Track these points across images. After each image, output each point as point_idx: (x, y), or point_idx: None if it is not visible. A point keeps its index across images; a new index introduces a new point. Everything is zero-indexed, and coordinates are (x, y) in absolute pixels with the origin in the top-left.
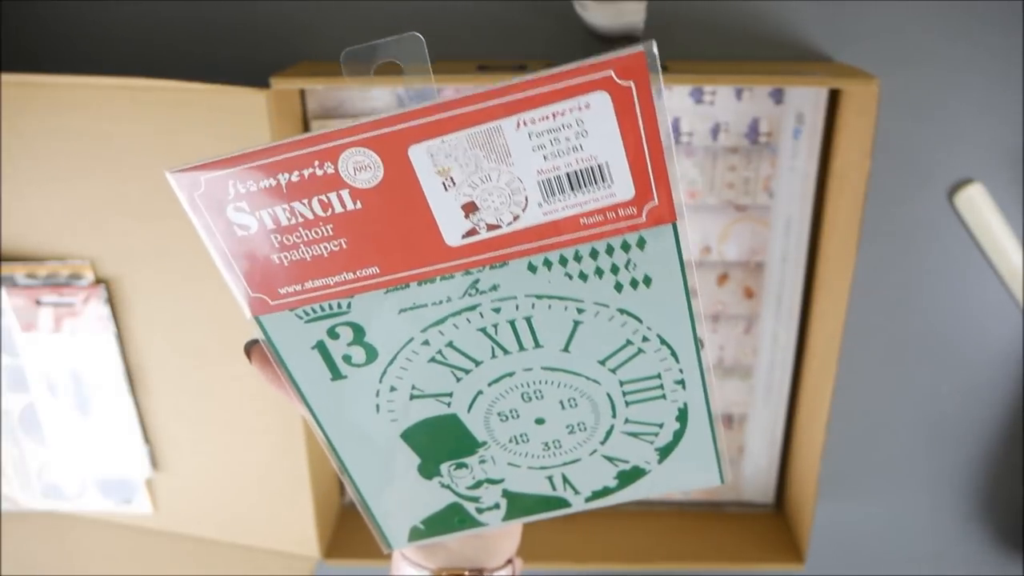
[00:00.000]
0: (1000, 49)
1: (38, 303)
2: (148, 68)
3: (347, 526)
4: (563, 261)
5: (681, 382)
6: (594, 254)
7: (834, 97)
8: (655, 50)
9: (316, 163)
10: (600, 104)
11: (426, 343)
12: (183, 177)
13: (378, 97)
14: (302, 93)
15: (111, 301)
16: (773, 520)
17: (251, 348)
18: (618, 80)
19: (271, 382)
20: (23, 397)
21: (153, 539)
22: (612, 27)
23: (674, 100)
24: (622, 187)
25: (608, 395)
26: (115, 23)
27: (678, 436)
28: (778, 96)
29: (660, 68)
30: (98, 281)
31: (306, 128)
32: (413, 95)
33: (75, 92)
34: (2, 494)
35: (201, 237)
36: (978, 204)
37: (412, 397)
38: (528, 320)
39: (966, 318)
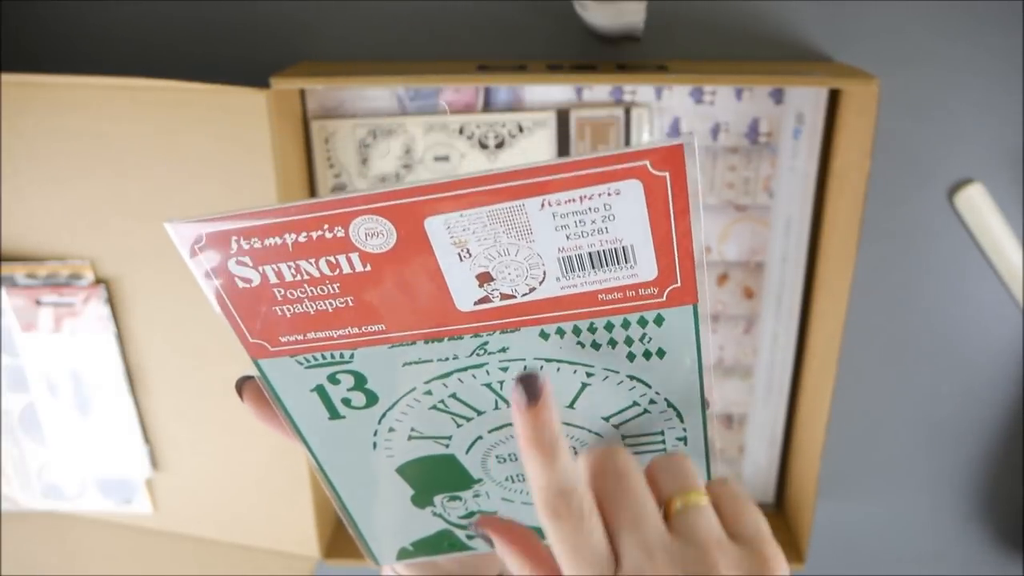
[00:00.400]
0: (1000, 49)
1: (38, 303)
2: (148, 68)
3: None
4: (576, 331)
5: (683, 439)
6: (609, 327)
7: (834, 97)
8: (695, 143)
9: (326, 227)
10: (631, 191)
11: (428, 393)
12: (183, 228)
13: (378, 97)
14: (302, 93)
15: (111, 301)
16: (773, 520)
17: (243, 385)
18: (653, 171)
19: (265, 420)
20: (23, 397)
21: (153, 539)
22: (612, 27)
23: (674, 100)
24: (645, 268)
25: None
26: (115, 23)
27: None
28: (778, 96)
29: (697, 159)
30: (98, 281)
31: (306, 128)
32: (413, 95)
33: (75, 92)
34: (2, 494)
35: (200, 286)
36: (978, 204)
37: (410, 438)
38: None
39: (966, 318)
